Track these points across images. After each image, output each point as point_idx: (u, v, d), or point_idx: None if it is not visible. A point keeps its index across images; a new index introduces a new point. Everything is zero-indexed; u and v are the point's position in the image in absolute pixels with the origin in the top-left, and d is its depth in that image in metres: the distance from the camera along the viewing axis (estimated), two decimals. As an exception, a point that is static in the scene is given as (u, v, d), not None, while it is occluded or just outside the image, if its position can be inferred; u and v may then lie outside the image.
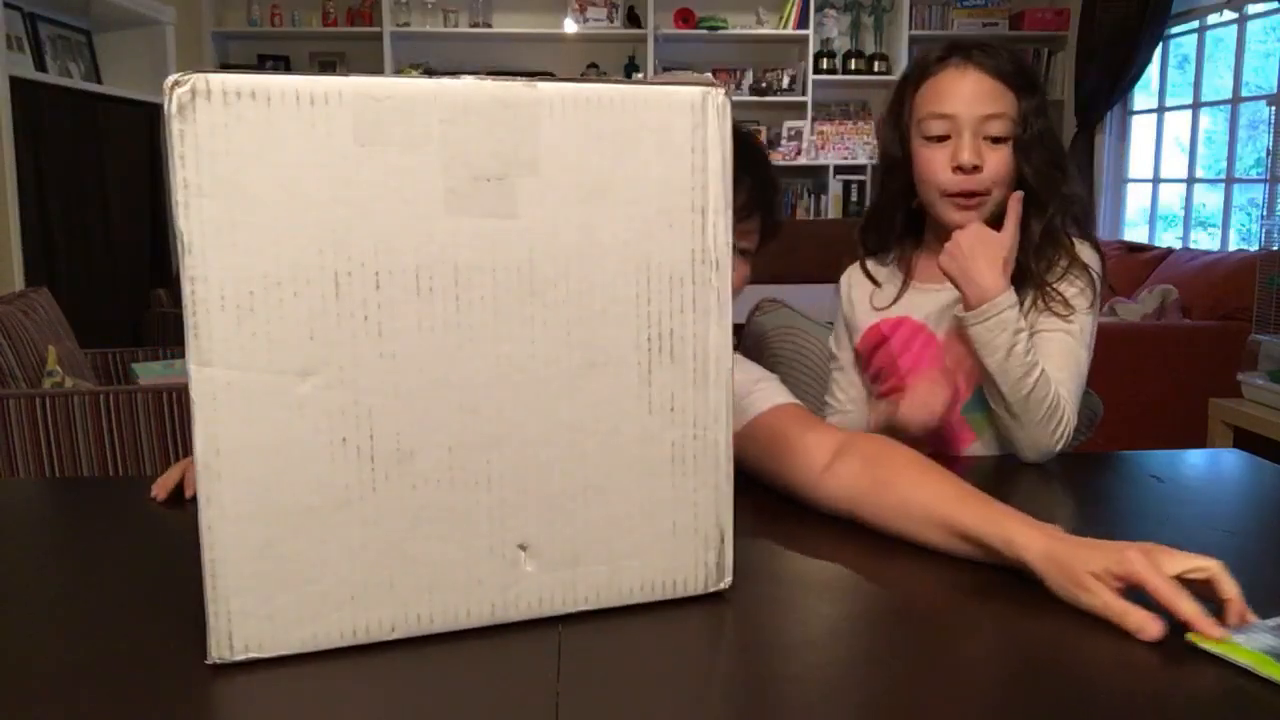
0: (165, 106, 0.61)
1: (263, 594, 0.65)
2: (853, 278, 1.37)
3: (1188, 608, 0.67)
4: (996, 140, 1.20)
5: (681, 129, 0.72)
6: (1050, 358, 1.18)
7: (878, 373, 1.33)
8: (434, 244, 0.66)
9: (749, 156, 1.07)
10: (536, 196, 0.68)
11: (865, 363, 1.35)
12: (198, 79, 0.60)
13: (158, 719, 0.61)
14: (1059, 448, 1.14)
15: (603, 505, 0.73)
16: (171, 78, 0.60)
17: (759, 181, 1.08)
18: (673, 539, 0.75)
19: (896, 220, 1.32)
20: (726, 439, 0.76)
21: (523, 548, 0.71)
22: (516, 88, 0.67)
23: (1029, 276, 1.22)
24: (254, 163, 0.62)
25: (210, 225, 0.61)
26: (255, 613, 0.65)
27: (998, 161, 1.20)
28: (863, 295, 1.35)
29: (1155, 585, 0.68)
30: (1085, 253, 1.24)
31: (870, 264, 1.36)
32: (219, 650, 0.65)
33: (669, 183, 0.72)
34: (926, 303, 1.29)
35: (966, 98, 1.19)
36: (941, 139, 1.21)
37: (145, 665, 0.67)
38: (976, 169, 1.18)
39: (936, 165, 1.21)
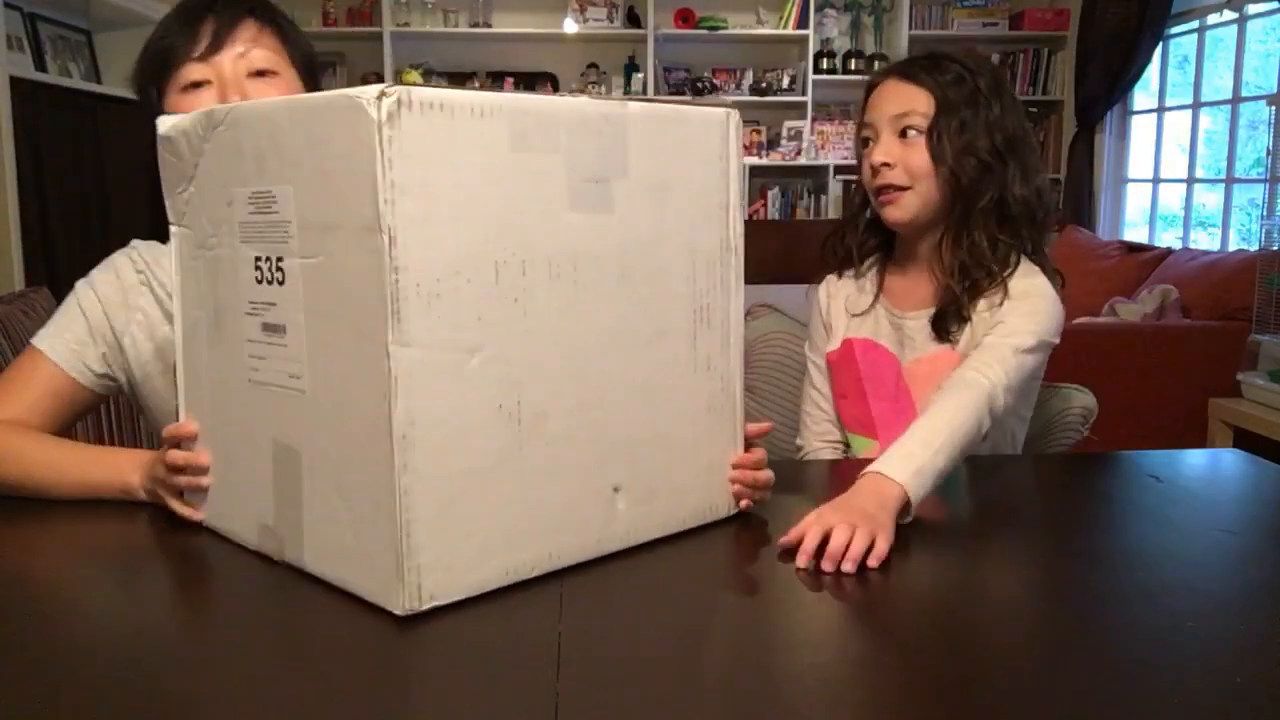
0: (371, 114, 0.68)
1: (442, 547, 0.75)
2: (831, 287, 1.39)
3: None
4: (906, 133, 1.23)
5: (715, 139, 0.91)
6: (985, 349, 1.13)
7: (840, 386, 1.34)
8: (560, 236, 0.80)
9: None
10: (625, 195, 0.84)
11: (832, 372, 1.36)
12: (401, 92, 0.69)
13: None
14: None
15: (666, 449, 0.90)
16: (377, 88, 0.69)
17: None
18: (708, 474, 0.94)
19: (851, 235, 1.35)
20: (740, 389, 0.96)
21: (616, 489, 0.85)
22: (613, 105, 0.83)
23: (953, 302, 1.22)
24: (440, 166, 0.72)
25: (410, 221, 0.71)
26: (436, 565, 0.75)
27: (910, 156, 1.23)
28: (840, 306, 1.36)
29: None
30: (1020, 284, 1.20)
31: (845, 276, 1.38)
32: (409, 602, 0.73)
33: (706, 183, 0.91)
34: (895, 330, 1.30)
35: (882, 104, 1.26)
36: (869, 144, 1.27)
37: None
38: (886, 165, 1.24)
39: (865, 168, 1.28)
